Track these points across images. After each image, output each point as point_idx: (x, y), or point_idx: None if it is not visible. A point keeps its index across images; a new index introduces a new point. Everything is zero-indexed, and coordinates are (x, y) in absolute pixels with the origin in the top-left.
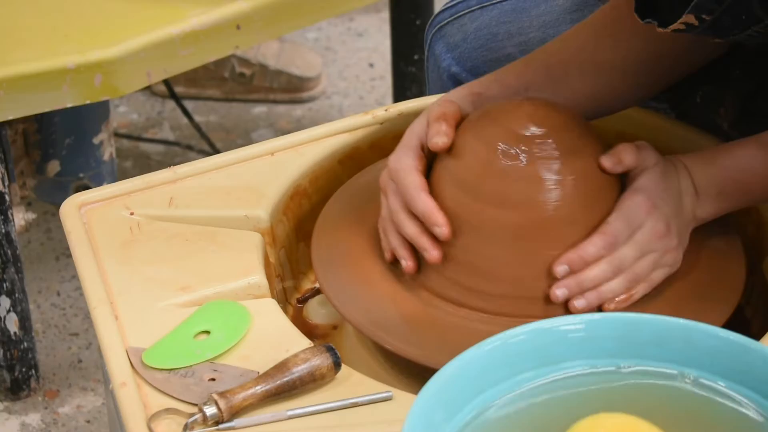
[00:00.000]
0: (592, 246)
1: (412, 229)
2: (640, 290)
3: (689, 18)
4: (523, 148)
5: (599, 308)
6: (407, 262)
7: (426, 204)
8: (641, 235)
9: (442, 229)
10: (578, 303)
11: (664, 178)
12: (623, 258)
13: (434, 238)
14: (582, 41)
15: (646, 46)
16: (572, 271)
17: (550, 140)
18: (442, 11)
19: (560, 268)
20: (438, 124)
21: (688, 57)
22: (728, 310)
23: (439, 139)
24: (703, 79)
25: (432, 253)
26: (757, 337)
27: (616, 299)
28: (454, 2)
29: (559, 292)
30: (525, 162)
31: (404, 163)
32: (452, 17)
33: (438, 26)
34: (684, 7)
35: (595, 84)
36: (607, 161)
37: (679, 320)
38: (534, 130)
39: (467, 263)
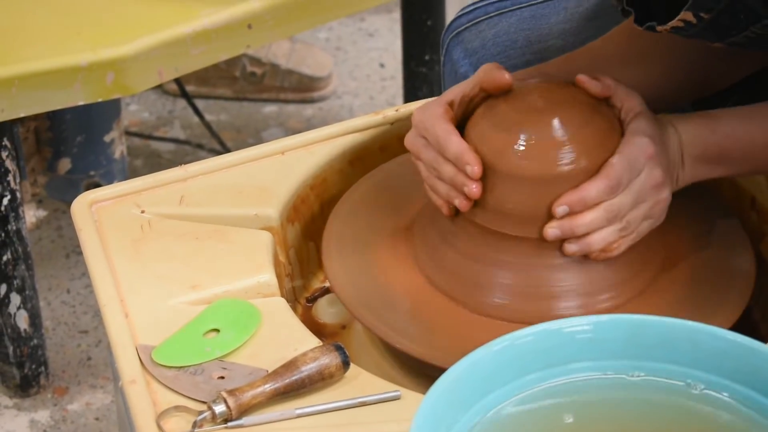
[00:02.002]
0: (594, 189)
1: (450, 171)
2: (626, 242)
3: (687, 15)
4: (533, 120)
5: (585, 255)
6: (460, 200)
7: (458, 146)
8: (639, 183)
9: (474, 168)
10: (569, 247)
11: (659, 127)
12: (621, 206)
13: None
14: (625, 37)
15: (688, 43)
16: (571, 213)
17: (557, 105)
18: (460, 17)
19: (560, 209)
20: (499, 70)
21: (733, 60)
22: (736, 312)
23: (503, 74)
24: (733, 87)
25: (471, 187)
26: (766, 339)
27: (603, 249)
28: (472, 8)
29: (551, 231)
30: (537, 134)
31: (430, 113)
32: (470, 23)
33: (455, 32)
34: (677, 11)
35: (636, 77)
36: (582, 76)
37: (686, 322)
38: (542, 101)
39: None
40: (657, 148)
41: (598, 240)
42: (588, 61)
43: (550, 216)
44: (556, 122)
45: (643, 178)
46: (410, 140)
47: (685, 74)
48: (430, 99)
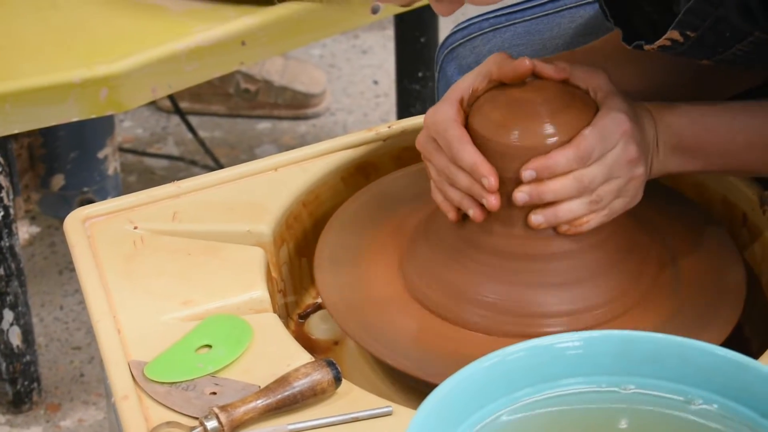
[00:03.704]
0: (562, 156)
1: (465, 181)
2: (597, 218)
3: (674, 34)
4: (521, 105)
5: (554, 229)
6: (475, 211)
7: (472, 156)
8: (612, 156)
9: (490, 179)
10: (534, 219)
11: (633, 107)
12: (592, 177)
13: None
14: None
15: None
16: (538, 179)
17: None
18: (454, 33)
19: (527, 173)
20: (518, 59)
21: (735, 70)
22: (727, 328)
23: (523, 62)
24: (739, 96)
25: (490, 199)
26: (757, 355)
27: (572, 223)
28: (467, 24)
29: (519, 195)
30: (524, 115)
31: (443, 115)
32: (465, 39)
33: (450, 47)
34: (664, 31)
35: (636, 74)
36: (533, 60)
37: (676, 338)
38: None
39: None
40: (632, 124)
41: (565, 211)
42: (589, 58)
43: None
44: (544, 113)
45: (618, 152)
46: (421, 142)
47: (685, 77)
48: (438, 101)
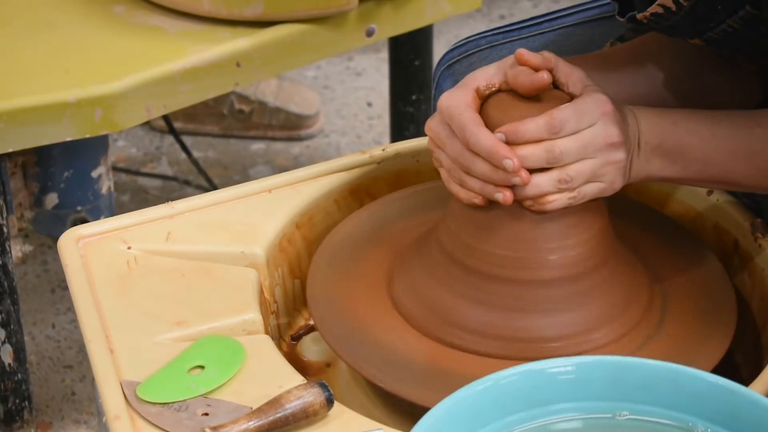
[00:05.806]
0: (533, 123)
1: (484, 168)
2: (563, 199)
3: (667, 1)
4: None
5: (520, 203)
6: (505, 194)
7: (489, 140)
8: (589, 134)
9: (513, 161)
10: (496, 195)
11: (615, 103)
12: (563, 150)
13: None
14: (632, 46)
15: (694, 53)
16: (508, 143)
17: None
18: (452, 50)
19: (497, 135)
20: (535, 74)
21: (743, 81)
22: (718, 354)
23: (541, 76)
24: None
25: (521, 175)
26: (747, 382)
27: (537, 200)
28: (464, 41)
29: None
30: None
31: (457, 99)
32: (461, 56)
33: (447, 64)
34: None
35: (642, 83)
36: (522, 50)
37: (668, 364)
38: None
39: None
40: (614, 108)
41: (531, 186)
42: (599, 62)
43: None
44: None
45: (595, 131)
46: (433, 127)
47: (687, 85)
48: (454, 88)
